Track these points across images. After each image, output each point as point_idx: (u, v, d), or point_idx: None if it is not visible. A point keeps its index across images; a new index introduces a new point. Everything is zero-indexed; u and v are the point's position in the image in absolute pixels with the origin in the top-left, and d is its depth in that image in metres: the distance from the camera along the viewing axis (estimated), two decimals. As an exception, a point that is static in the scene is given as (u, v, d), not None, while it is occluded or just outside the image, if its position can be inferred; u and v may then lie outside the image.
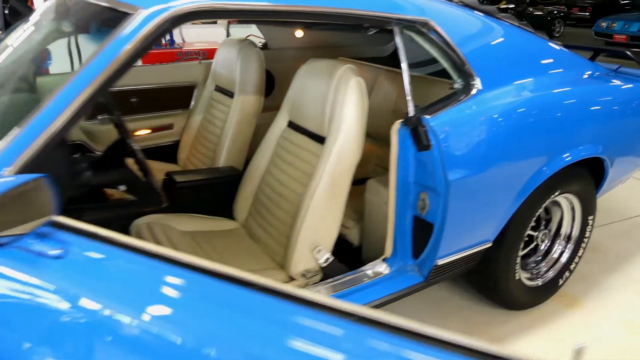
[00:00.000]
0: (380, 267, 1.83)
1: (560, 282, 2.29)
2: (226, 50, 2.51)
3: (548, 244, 2.29)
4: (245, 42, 2.41)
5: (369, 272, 1.82)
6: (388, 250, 1.85)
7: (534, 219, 2.05)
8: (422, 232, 1.79)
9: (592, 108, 2.05)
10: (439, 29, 1.65)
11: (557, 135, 1.93)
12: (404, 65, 1.60)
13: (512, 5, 12.63)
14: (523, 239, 2.03)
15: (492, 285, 2.09)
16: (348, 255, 2.04)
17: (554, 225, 2.30)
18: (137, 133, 2.72)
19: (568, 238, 2.29)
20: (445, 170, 1.62)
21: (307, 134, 1.87)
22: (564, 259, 2.27)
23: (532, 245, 2.23)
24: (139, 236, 1.84)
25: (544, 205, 2.03)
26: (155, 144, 2.78)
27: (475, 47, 1.76)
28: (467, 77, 1.72)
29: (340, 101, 1.69)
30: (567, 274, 2.30)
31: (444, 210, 1.68)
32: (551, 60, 2.12)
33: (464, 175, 1.66)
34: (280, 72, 2.98)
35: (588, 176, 2.17)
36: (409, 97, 1.62)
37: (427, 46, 1.69)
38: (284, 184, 1.89)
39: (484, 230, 1.86)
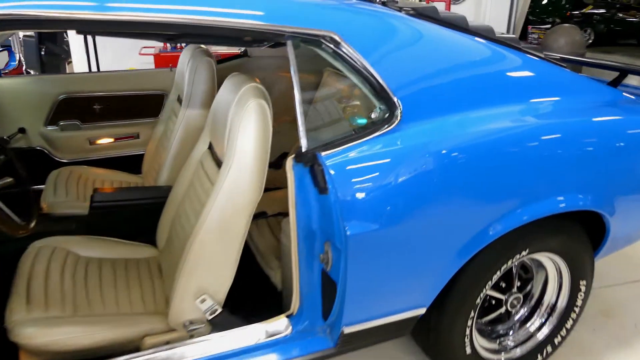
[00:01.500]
0: (281, 325, 1.53)
1: (540, 358, 1.85)
2: (183, 56, 2.31)
3: (526, 313, 1.85)
4: (198, 50, 2.19)
5: (267, 329, 1.53)
6: (294, 305, 1.54)
7: (495, 279, 1.65)
8: (329, 290, 1.47)
9: (580, 147, 1.60)
10: (346, 44, 1.32)
11: (514, 184, 1.50)
12: (296, 87, 1.30)
13: (601, 10, 11.37)
14: (475, 306, 1.63)
15: (435, 356, 1.72)
16: (273, 300, 1.77)
17: (536, 290, 1.86)
18: (99, 141, 2.61)
19: (552, 308, 1.84)
20: (343, 222, 1.30)
21: (216, 161, 1.62)
22: (540, 335, 1.82)
23: (500, 311, 1.81)
24: (35, 258, 1.68)
25: (506, 266, 1.62)
26: (118, 153, 2.65)
27: (400, 67, 1.40)
28: (388, 105, 1.38)
29: (236, 126, 1.42)
30: (548, 349, 1.86)
31: (344, 268, 1.35)
32: (541, 85, 1.69)
33: (369, 229, 1.33)
34: (262, 82, 2.74)
35: (578, 232, 1.72)
36: (301, 128, 1.31)
37: (337, 65, 1.36)
38: (196, 214, 1.65)
39: (407, 295, 1.50)
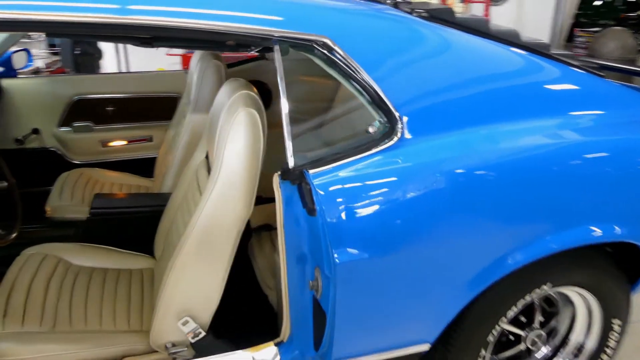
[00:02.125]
0: (268, 354, 1.41)
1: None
2: (193, 58, 2.23)
3: (549, 353, 1.65)
4: (206, 52, 2.10)
5: (254, 357, 1.41)
6: (284, 332, 1.42)
7: (512, 316, 1.47)
8: (320, 319, 1.34)
9: (623, 169, 1.40)
10: (340, 50, 1.18)
11: (544, 208, 1.33)
12: (282, 96, 1.17)
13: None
14: (486, 343, 1.46)
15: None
16: (270, 322, 1.65)
17: (562, 327, 1.66)
18: (112, 144, 2.56)
19: (579, 349, 1.63)
20: (331, 248, 1.16)
21: (209, 172, 1.51)
22: (562, 380, 1.63)
23: (519, 347, 1.63)
24: (23, 267, 1.63)
25: (524, 301, 1.44)
26: (131, 156, 2.60)
27: (404, 76, 1.25)
28: (388, 118, 1.23)
29: (224, 136, 1.31)
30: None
31: (333, 298, 1.22)
32: (575, 97, 1.50)
33: (361, 257, 1.18)
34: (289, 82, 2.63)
35: (609, 264, 1.52)
36: (288, 142, 1.18)
37: (331, 73, 1.22)
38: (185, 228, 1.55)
39: (408, 329, 1.34)
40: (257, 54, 2.79)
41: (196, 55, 2.18)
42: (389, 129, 1.22)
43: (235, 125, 1.27)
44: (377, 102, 1.21)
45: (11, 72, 2.45)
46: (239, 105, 1.30)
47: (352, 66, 1.19)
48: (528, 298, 1.44)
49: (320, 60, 1.21)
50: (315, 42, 1.18)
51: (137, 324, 1.51)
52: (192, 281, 1.36)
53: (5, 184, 1.67)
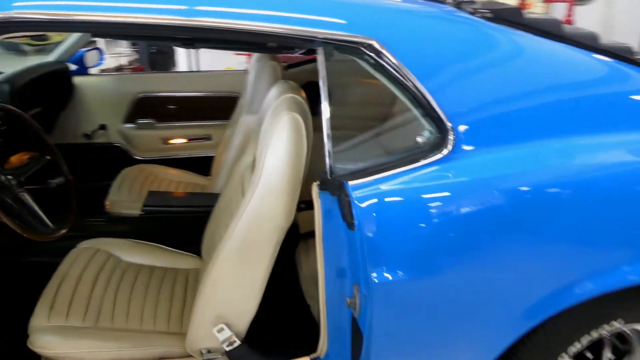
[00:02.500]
0: (304, 370, 1.36)
1: None
2: (252, 58, 2.21)
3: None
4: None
5: (288, 372, 1.36)
6: (321, 348, 1.36)
7: (574, 352, 1.31)
8: (357, 338, 1.26)
9: None
10: (389, 54, 1.09)
11: (628, 232, 1.18)
12: (324, 101, 1.10)
13: None
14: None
15: None
16: (309, 334, 1.59)
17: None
18: (172, 141, 2.62)
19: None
20: (370, 267, 1.08)
21: None
22: None
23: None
24: (75, 260, 1.68)
25: (590, 337, 1.28)
26: (190, 154, 2.65)
27: (460, 83, 1.14)
28: (439, 128, 1.12)
29: (267, 141, 1.27)
30: None
31: (370, 319, 1.13)
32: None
33: (402, 279, 1.09)
34: (339, 91, 2.57)
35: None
36: (328, 150, 1.11)
37: (379, 78, 1.14)
38: None
39: (451, 358, 1.23)
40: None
41: (255, 56, 2.17)
42: (440, 139, 1.12)
43: (278, 130, 1.22)
44: (428, 111, 1.11)
45: (83, 70, 2.58)
46: (283, 109, 1.25)
47: (402, 72, 1.09)
48: (595, 334, 1.28)
49: (367, 64, 1.12)
50: (362, 44, 1.10)
51: (176, 326, 1.51)
52: (229, 288, 1.33)
53: (62, 179, 1.73)
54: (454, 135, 1.12)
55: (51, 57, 2.46)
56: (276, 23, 1.07)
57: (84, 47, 2.58)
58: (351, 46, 1.10)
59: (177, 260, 1.81)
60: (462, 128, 1.12)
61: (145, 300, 1.58)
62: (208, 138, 2.64)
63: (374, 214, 1.07)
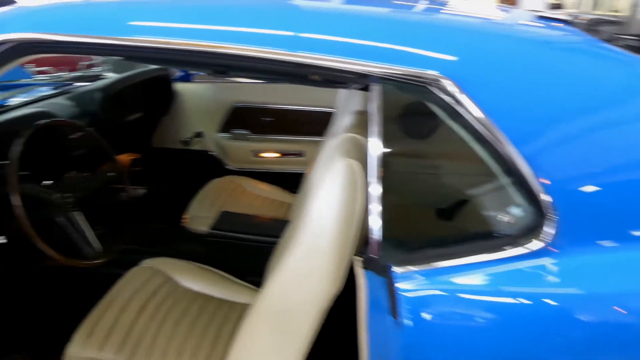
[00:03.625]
0: None
1: None
2: None
3: None
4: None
5: None
6: None
7: None
8: None
9: None
10: (468, 99, 0.78)
11: None
12: (375, 155, 0.84)
13: None
14: None
15: None
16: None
17: None
18: (264, 154, 2.50)
19: None
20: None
21: None
22: None
23: None
24: (129, 282, 1.61)
25: None
26: (282, 169, 2.51)
27: (578, 146, 0.79)
28: (533, 206, 0.79)
29: (317, 184, 1.05)
30: None
31: None
32: None
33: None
34: (387, 134, 2.24)
35: None
36: (374, 216, 0.85)
37: (453, 127, 0.83)
38: None
39: None
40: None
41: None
42: (536, 222, 0.79)
43: (330, 174, 0.99)
44: (519, 180, 0.79)
45: (188, 77, 2.58)
46: (339, 152, 1.01)
47: (484, 123, 0.78)
48: None
49: (437, 108, 0.83)
50: (430, 83, 0.81)
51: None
52: (258, 354, 1.13)
53: (143, 189, 1.68)
54: (557, 218, 0.78)
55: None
56: (320, 53, 0.83)
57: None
58: (414, 84, 0.82)
59: (237, 292, 1.67)
60: (571, 210, 0.78)
61: (188, 337, 1.45)
62: (301, 154, 2.48)
63: (427, 315, 0.79)
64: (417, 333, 0.81)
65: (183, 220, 2.08)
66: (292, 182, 2.48)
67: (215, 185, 2.33)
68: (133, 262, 1.70)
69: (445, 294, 0.77)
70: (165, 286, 1.61)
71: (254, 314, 1.12)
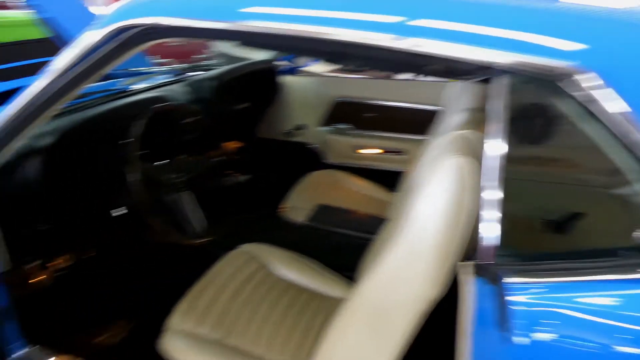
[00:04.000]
0: None
1: None
2: None
3: None
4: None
5: None
6: None
7: None
8: None
9: None
10: (603, 92, 0.68)
11: None
12: (499, 151, 0.76)
13: None
14: None
15: None
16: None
17: None
18: (363, 150, 2.46)
19: None
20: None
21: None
22: None
23: None
24: (227, 264, 1.66)
25: None
26: (382, 166, 2.46)
27: None
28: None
29: (423, 182, 1.00)
30: None
31: None
32: None
33: None
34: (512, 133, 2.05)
35: None
36: (487, 222, 0.78)
37: (590, 130, 0.73)
38: None
39: None
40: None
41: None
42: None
43: (438, 173, 0.93)
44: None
45: (292, 70, 2.62)
46: (449, 150, 0.95)
47: (633, 128, 0.68)
48: None
49: (570, 105, 0.74)
50: (566, 75, 0.72)
51: (301, 363, 1.35)
52: (352, 349, 1.10)
53: (246, 177, 1.73)
54: None
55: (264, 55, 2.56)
56: (437, 39, 0.77)
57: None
58: (545, 78, 0.73)
59: (330, 285, 1.65)
60: None
61: (280, 325, 1.47)
62: (401, 152, 2.42)
63: (544, 337, 0.71)
64: (528, 352, 0.73)
65: (281, 210, 2.11)
66: (390, 180, 2.42)
67: (314, 177, 2.34)
68: (231, 246, 1.76)
69: (568, 312, 0.69)
70: (261, 272, 1.64)
71: (349, 310, 1.10)
